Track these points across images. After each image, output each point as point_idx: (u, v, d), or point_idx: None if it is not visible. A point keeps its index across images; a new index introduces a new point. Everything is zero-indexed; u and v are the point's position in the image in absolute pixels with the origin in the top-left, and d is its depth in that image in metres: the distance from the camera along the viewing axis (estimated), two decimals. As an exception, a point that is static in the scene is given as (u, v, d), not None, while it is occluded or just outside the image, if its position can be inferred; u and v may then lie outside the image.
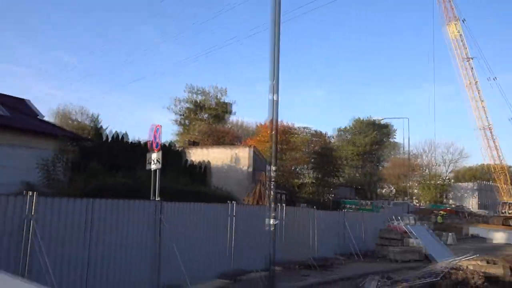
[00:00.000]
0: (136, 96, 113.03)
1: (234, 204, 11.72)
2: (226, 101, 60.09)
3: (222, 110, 59.04)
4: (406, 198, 55.93)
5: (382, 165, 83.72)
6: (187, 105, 60.45)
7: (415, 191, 79.32)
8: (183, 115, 60.64)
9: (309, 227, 16.07)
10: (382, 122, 74.07)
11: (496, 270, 9.84)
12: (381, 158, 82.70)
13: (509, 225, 43.63)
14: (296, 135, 51.15)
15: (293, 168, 50.30)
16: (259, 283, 10.49)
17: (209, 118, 58.30)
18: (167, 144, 28.80)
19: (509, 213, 46.11)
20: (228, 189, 26.78)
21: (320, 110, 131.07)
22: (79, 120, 38.74)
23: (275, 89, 9.28)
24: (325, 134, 56.11)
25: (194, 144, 37.75)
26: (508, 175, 47.75)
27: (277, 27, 9.52)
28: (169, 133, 65.25)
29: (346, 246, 18.48)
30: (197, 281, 10.00)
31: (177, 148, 32.11)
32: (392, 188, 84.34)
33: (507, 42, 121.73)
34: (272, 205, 9.32)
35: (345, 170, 69.87)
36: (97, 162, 18.63)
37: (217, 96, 59.86)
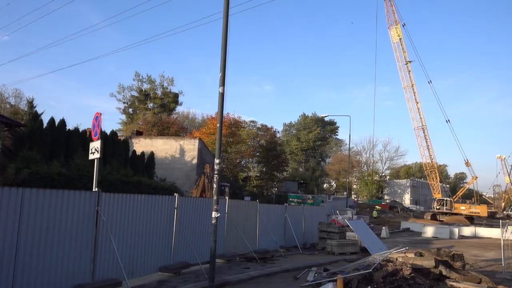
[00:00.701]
0: (77, 81, 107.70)
1: (177, 196, 11.55)
2: (173, 91, 58.93)
3: (168, 100, 57.80)
4: (345, 193, 58.29)
5: (325, 161, 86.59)
6: (133, 93, 58.54)
7: (355, 186, 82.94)
8: (128, 103, 58.68)
9: (252, 220, 16.27)
10: (326, 119, 76.49)
11: (423, 262, 10.54)
12: (324, 154, 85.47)
13: (437, 220, 47.13)
14: (242, 129, 51.36)
15: (238, 161, 50.51)
16: (201, 276, 10.49)
17: (154, 107, 56.86)
18: (111, 133, 27.59)
19: (437, 209, 49.76)
20: (173, 181, 26.37)
21: (270, 105, 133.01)
22: (13, 103, 36.24)
23: (221, 82, 9.26)
24: (271, 128, 56.88)
25: (138, 134, 36.65)
26: (438, 173, 51.38)
27: (226, 18, 9.47)
28: (116, 122, 63.14)
29: (288, 239, 18.94)
30: (136, 274, 9.79)
31: (121, 138, 31.00)
32: (333, 182, 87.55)
33: (445, 49, 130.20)
34: (216, 198, 9.31)
35: (290, 165, 71.39)
36: (32, 150, 17.52)
37: (163, 85, 58.50)
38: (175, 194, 11.74)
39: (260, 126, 58.73)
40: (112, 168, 19.95)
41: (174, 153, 31.37)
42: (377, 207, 54.83)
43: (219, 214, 9.30)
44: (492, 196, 75.84)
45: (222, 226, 13.76)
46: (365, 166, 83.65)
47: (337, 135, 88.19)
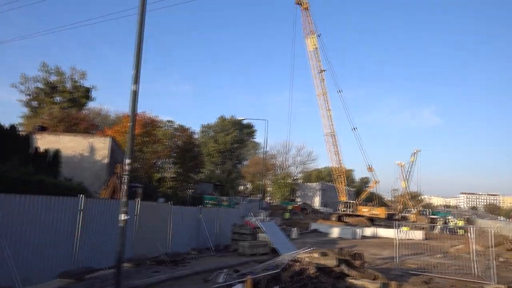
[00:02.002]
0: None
1: (83, 198, 10.90)
2: (84, 85, 55.27)
3: (79, 95, 54.04)
4: (259, 195, 59.70)
5: (242, 163, 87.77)
6: (38, 84, 53.70)
7: (269, 189, 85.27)
8: (32, 95, 53.71)
9: (165, 223, 15.94)
10: (243, 122, 77.68)
11: (326, 261, 11.24)
12: (241, 157, 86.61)
13: (342, 221, 50.40)
14: (159, 128, 50.00)
15: (154, 161, 49.06)
16: (107, 281, 10.01)
17: (62, 101, 52.76)
18: (9, 128, 24.92)
19: (343, 211, 53.21)
20: (82, 181, 24.82)
21: (188, 106, 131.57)
22: None
23: (134, 79, 8.97)
24: (189, 129, 56.13)
25: (42, 129, 33.79)
26: (345, 177, 55.03)
27: (142, 11, 9.23)
28: (16, 116, 57.42)
29: (201, 241, 18.86)
30: (33, 282, 9.05)
31: (21, 133, 28.29)
32: (248, 185, 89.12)
33: (357, 62, 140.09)
34: (125, 200, 8.98)
35: (206, 166, 71.10)
36: None
37: (74, 78, 54.57)
38: (80, 195, 11.07)
39: (177, 127, 57.66)
40: (11, 166, 18.19)
41: (83, 152, 29.52)
42: (289, 207, 57.04)
43: (127, 217, 8.98)
44: (391, 199, 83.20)
45: (131, 229, 13.29)
46: (279, 169, 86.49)
47: (254, 138, 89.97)
